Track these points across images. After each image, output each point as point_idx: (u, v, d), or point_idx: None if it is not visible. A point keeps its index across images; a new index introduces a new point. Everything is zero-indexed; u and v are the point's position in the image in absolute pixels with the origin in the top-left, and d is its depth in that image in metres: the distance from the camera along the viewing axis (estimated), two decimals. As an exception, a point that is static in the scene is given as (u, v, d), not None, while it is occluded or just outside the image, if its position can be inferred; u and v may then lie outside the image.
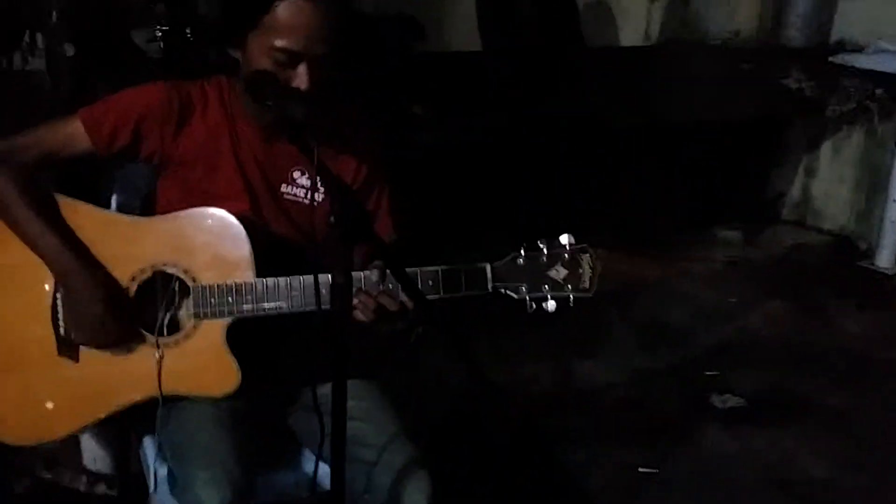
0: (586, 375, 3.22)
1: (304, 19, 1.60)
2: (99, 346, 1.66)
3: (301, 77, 1.63)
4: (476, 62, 4.16)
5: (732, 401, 3.09)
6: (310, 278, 1.64)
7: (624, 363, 3.31)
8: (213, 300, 1.67)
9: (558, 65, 4.07)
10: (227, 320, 1.67)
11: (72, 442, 1.93)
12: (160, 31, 8.14)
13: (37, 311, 1.69)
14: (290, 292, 1.67)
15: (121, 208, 1.90)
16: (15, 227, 1.66)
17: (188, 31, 8.01)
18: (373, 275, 1.65)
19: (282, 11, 1.60)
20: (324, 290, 1.62)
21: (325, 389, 1.78)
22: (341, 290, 1.33)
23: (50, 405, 1.68)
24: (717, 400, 3.11)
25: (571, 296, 1.69)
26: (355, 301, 1.61)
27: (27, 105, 2.71)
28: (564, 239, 1.71)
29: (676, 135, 4.37)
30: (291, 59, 1.62)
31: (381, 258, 1.63)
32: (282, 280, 1.66)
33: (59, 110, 1.81)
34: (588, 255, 1.70)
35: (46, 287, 1.69)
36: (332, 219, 1.29)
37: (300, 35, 1.60)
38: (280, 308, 1.67)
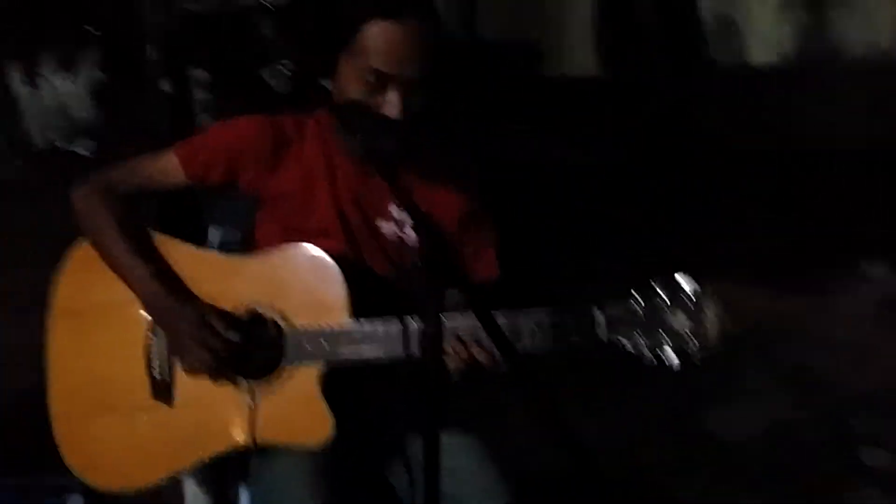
0: (716, 428, 2.98)
1: (393, 40, 1.53)
2: (206, 372, 1.59)
3: (392, 103, 1.55)
4: (594, 87, 4.03)
5: (884, 457, 2.81)
6: (407, 323, 1.54)
7: (760, 413, 3.05)
8: (306, 345, 1.58)
9: (683, 86, 3.88)
10: (320, 366, 1.58)
11: (173, 484, 1.86)
12: (282, 65, 8.41)
13: (133, 353, 1.64)
14: (387, 337, 1.56)
15: (221, 241, 1.86)
16: (108, 258, 1.64)
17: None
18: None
19: (371, 33, 1.53)
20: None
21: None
22: (430, 339, 1.21)
23: (143, 450, 1.64)
24: (866, 456, 2.83)
25: (696, 351, 1.51)
26: (447, 346, 1.49)
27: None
28: (684, 281, 1.53)
29: (815, 159, 4.10)
30: (381, 82, 1.54)
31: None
32: (379, 324, 1.56)
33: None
34: (715, 301, 1.52)
35: (143, 326, 1.65)
36: (417, 261, 1.18)
37: (390, 57, 1.53)
38: (377, 355, 1.56)
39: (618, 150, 3.60)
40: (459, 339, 1.51)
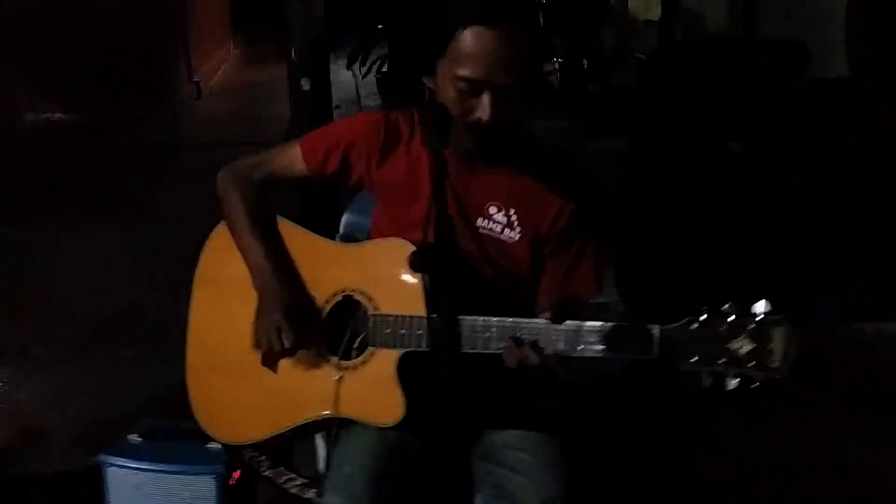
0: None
1: (487, 48, 1.57)
2: (275, 356, 1.76)
3: (484, 108, 1.59)
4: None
5: None
6: (481, 320, 1.60)
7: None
8: (386, 330, 1.70)
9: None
10: (398, 351, 1.68)
11: (308, 446, 2.06)
12: (558, 62, 8.53)
13: (250, 323, 1.84)
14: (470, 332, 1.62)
15: (350, 227, 2.02)
16: (237, 239, 1.84)
17: (584, 62, 8.26)
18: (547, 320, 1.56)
19: (466, 39, 1.58)
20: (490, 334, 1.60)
21: (502, 438, 1.76)
22: (440, 326, 1.28)
23: (249, 410, 1.83)
24: None
25: (757, 376, 1.43)
26: (504, 344, 1.55)
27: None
28: (760, 306, 1.45)
29: None
30: (474, 88, 1.59)
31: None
32: (476, 321, 1.61)
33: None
34: (783, 328, 1.42)
35: (260, 301, 1.85)
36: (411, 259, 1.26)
37: (482, 63, 1.57)
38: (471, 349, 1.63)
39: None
40: (516, 339, 1.55)
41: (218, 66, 9.85)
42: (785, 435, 2.84)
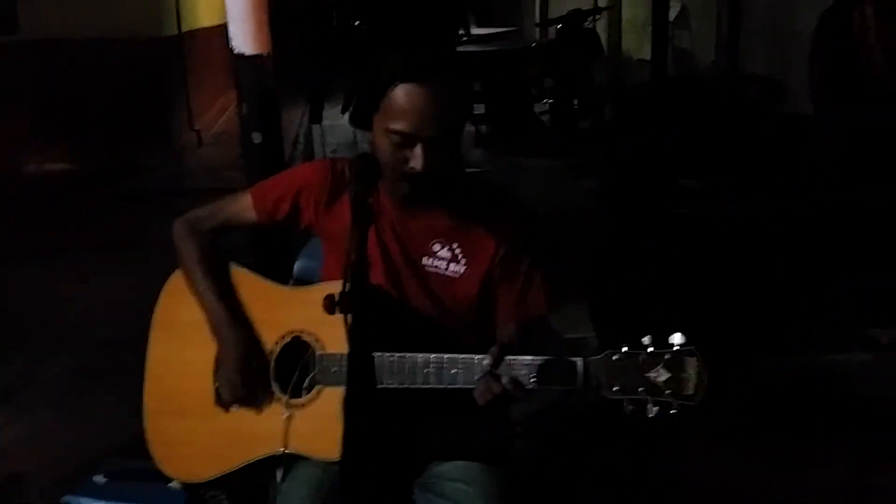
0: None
1: (417, 103, 1.66)
2: (232, 400, 1.83)
3: (417, 158, 1.68)
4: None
5: None
6: (414, 357, 1.67)
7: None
8: (333, 369, 1.76)
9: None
10: (343, 389, 1.74)
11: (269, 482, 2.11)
12: (548, 102, 8.70)
13: (205, 366, 1.91)
14: (399, 368, 1.69)
15: (302, 272, 2.09)
16: (191, 286, 1.92)
17: (575, 101, 8.42)
18: (485, 358, 1.63)
19: (397, 95, 1.67)
20: (430, 369, 1.66)
21: (443, 469, 1.81)
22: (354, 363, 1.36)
23: (204, 449, 1.90)
24: None
25: (674, 403, 1.49)
26: (478, 379, 1.62)
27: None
28: (676, 338, 1.52)
29: None
30: (406, 140, 1.67)
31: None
32: (393, 357, 1.69)
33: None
34: (695, 358, 1.50)
35: (214, 345, 1.91)
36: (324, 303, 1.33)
37: (414, 118, 1.66)
38: (390, 383, 1.70)
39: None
40: (492, 374, 1.61)
41: (219, 115, 10.03)
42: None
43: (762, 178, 3.40)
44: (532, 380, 1.59)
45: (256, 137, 2.46)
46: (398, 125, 1.67)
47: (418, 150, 1.68)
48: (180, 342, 1.96)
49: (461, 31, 7.85)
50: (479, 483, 1.76)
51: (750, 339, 3.29)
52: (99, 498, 2.16)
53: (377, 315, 1.48)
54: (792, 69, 5.52)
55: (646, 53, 8.19)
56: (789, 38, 5.92)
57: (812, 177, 3.44)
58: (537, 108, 8.52)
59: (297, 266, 2.11)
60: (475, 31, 9.06)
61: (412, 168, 1.69)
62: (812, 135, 3.68)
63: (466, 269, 1.81)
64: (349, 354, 1.41)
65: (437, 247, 1.82)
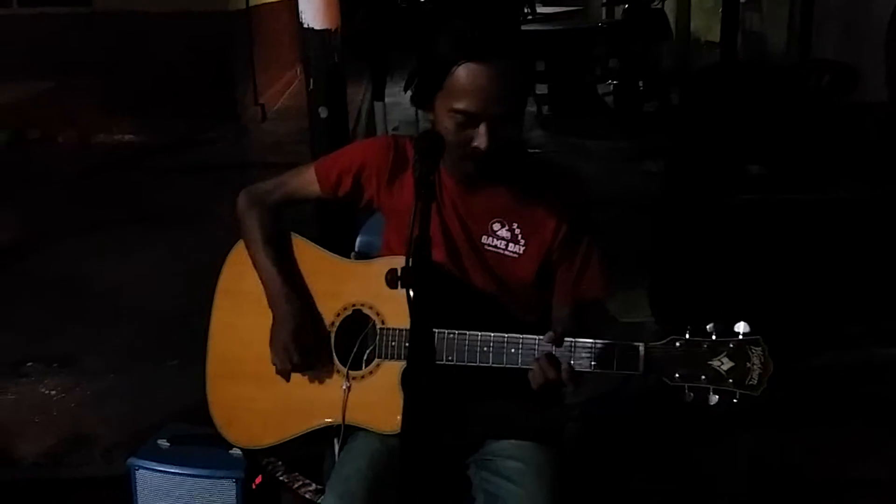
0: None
1: (481, 82, 1.64)
2: (284, 370, 1.86)
3: (481, 137, 1.67)
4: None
5: None
6: (475, 335, 1.67)
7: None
8: (392, 343, 1.78)
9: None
10: (403, 363, 1.76)
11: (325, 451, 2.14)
12: (612, 84, 8.62)
13: (267, 334, 1.92)
14: (459, 346, 1.70)
15: (364, 246, 2.11)
16: (252, 256, 1.94)
17: (640, 83, 8.32)
18: (544, 340, 1.63)
19: (460, 75, 1.65)
20: (489, 348, 1.67)
21: (499, 446, 1.82)
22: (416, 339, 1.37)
23: (264, 416, 1.93)
24: None
25: (736, 393, 1.47)
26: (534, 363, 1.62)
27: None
28: (740, 327, 1.49)
29: None
30: (470, 119, 1.67)
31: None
32: (453, 334, 1.70)
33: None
34: (760, 348, 1.47)
35: (274, 313, 1.94)
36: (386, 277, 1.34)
37: (478, 97, 1.65)
38: (449, 360, 1.71)
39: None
40: (550, 357, 1.61)
41: (283, 89, 10.12)
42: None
43: (830, 166, 3.32)
44: (593, 364, 1.58)
45: (323, 112, 2.48)
46: (462, 104, 1.66)
47: (482, 129, 1.67)
48: (242, 310, 1.98)
49: (527, 10, 7.78)
50: (533, 462, 1.76)
51: (811, 330, 3.23)
52: (162, 461, 2.21)
53: (438, 291, 1.48)
54: (867, 54, 5.37)
55: (715, 35, 8.03)
56: (865, 22, 5.76)
57: (881, 167, 3.35)
58: (601, 89, 8.42)
59: (359, 240, 2.12)
60: (541, 9, 8.99)
61: (476, 147, 1.68)
62: (886, 123, 3.57)
63: (525, 249, 1.80)
64: (410, 329, 1.41)
65: (497, 226, 1.81)
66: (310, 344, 1.83)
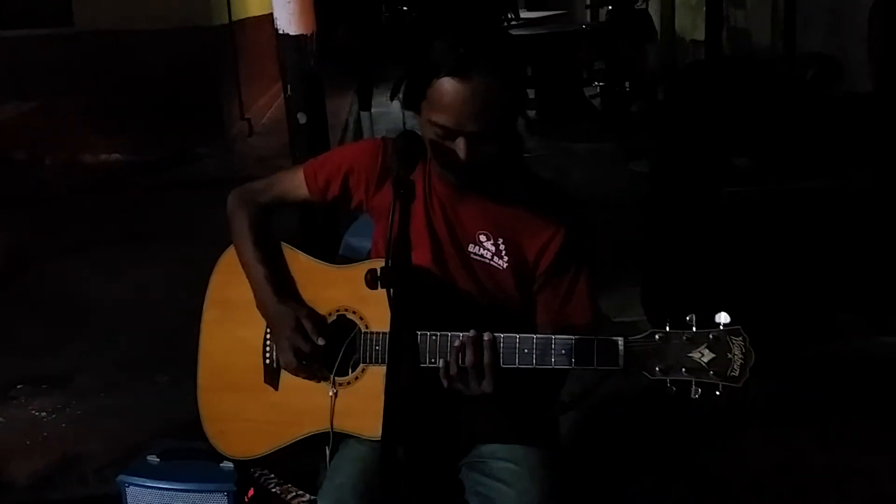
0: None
1: (459, 97, 1.63)
2: (293, 365, 1.83)
3: (460, 150, 1.66)
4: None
5: None
6: (456, 335, 1.66)
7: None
8: (377, 347, 1.77)
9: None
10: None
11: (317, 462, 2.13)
12: (598, 86, 8.65)
13: (255, 343, 1.93)
14: (441, 347, 1.69)
15: (348, 250, 2.10)
16: (240, 256, 1.93)
17: (627, 84, 8.35)
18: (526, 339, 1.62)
19: (442, 88, 1.64)
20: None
21: (490, 448, 1.81)
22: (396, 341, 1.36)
23: (254, 426, 1.91)
24: None
25: (718, 384, 1.47)
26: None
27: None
28: (721, 317, 1.49)
29: None
30: (447, 133, 1.66)
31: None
32: (435, 335, 1.69)
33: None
34: (741, 338, 1.47)
35: (265, 322, 1.93)
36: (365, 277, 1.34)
37: (456, 112, 1.63)
38: (432, 362, 1.70)
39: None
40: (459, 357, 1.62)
41: (270, 103, 10.12)
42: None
43: (816, 158, 3.32)
44: (573, 360, 1.57)
45: (301, 118, 2.47)
46: (440, 118, 1.65)
47: (461, 143, 1.65)
48: (232, 319, 1.98)
49: (510, 15, 7.78)
50: (526, 463, 1.76)
51: (801, 321, 3.23)
52: (153, 477, 2.20)
53: (420, 293, 1.48)
54: (850, 47, 5.38)
55: (700, 34, 8.04)
56: (847, 15, 5.77)
57: (867, 156, 3.35)
58: (588, 91, 8.44)
59: (343, 244, 2.12)
60: (525, 14, 8.99)
61: (456, 159, 1.68)
62: (869, 114, 3.58)
63: (508, 265, 1.79)
64: (390, 328, 1.40)
65: (483, 237, 1.80)
66: (311, 341, 1.81)
